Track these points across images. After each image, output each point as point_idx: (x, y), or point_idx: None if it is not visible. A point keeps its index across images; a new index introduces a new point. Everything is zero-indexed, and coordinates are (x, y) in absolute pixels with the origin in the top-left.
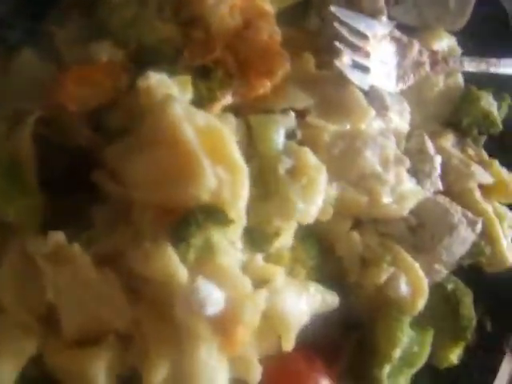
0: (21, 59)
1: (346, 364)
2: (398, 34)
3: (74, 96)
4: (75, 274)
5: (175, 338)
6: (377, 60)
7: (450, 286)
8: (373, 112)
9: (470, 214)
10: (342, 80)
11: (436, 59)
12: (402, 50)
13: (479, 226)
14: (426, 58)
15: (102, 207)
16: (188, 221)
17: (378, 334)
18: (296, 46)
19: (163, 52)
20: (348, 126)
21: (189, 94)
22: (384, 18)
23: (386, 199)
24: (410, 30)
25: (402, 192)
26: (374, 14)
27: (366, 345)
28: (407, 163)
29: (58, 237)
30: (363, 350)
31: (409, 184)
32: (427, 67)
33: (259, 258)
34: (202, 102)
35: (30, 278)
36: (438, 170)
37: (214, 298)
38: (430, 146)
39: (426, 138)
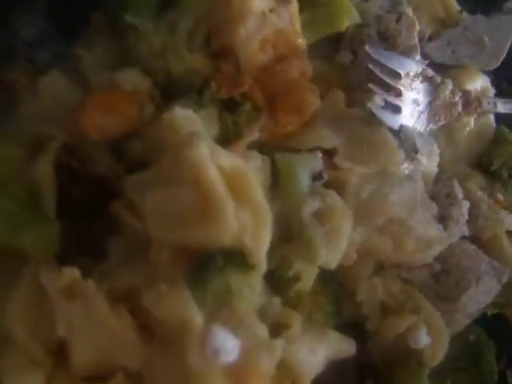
0: (47, 80)
1: None
2: (430, 72)
3: (96, 124)
4: (88, 310)
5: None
6: (408, 99)
7: (472, 337)
8: (402, 154)
9: (496, 264)
10: (372, 120)
11: (469, 100)
12: (435, 89)
13: (505, 277)
14: (458, 98)
15: (118, 239)
16: (207, 264)
17: None
18: (326, 80)
19: (191, 82)
20: (376, 169)
21: (214, 129)
22: (417, 56)
23: (411, 246)
24: (442, 69)
25: (427, 239)
26: (407, 52)
27: None
28: (435, 210)
29: (73, 272)
30: None
31: (435, 231)
32: (459, 108)
33: (277, 301)
34: (227, 136)
35: (41, 310)
36: (466, 216)
37: (229, 347)
38: (458, 191)
39: (455, 182)
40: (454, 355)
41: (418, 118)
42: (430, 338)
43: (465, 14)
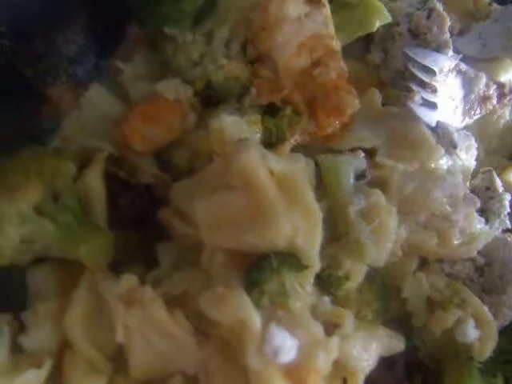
0: (89, 95)
1: None
2: (464, 67)
3: (141, 135)
4: (146, 316)
5: None
6: (444, 95)
7: None
8: (442, 150)
9: None
10: (409, 118)
11: (503, 92)
12: (469, 83)
13: None
14: (492, 91)
15: (168, 246)
16: (262, 266)
17: (446, 380)
18: (359, 80)
19: (230, 90)
20: (417, 166)
21: (258, 134)
22: (450, 52)
23: (456, 240)
24: (474, 63)
25: (471, 233)
26: (439, 48)
27: None
28: (478, 203)
29: (131, 280)
30: None
31: (478, 224)
32: (494, 100)
33: (327, 300)
34: (270, 140)
35: (99, 316)
36: (507, 209)
37: (287, 346)
38: (498, 184)
39: (495, 174)
40: (502, 348)
41: (454, 112)
42: (479, 331)
43: (495, 5)
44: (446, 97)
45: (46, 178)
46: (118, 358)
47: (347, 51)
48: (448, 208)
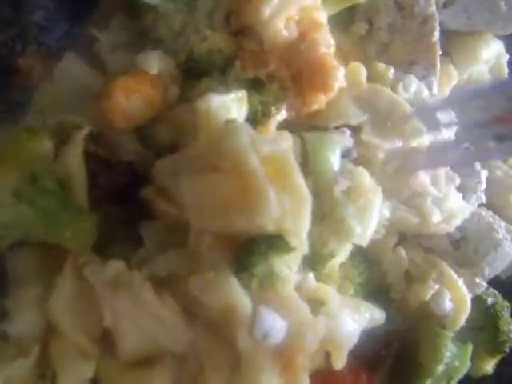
0: (63, 65)
1: (386, 376)
2: None
3: (122, 111)
4: (134, 300)
5: (234, 364)
6: None
7: (490, 300)
8: (424, 128)
9: None
10: (394, 95)
11: None
12: None
13: None
14: None
15: (152, 225)
16: (251, 249)
17: (421, 349)
18: (343, 53)
19: (214, 62)
20: (400, 144)
21: (245, 110)
22: (436, 25)
23: (437, 218)
24: (456, 36)
25: (450, 209)
26: (425, 22)
27: (407, 357)
28: (457, 181)
29: (118, 265)
30: (404, 363)
31: (457, 201)
32: None
33: (311, 277)
34: (256, 117)
35: (84, 300)
36: (484, 185)
37: (276, 328)
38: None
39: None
40: (472, 316)
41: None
42: (454, 303)
43: None
44: None
45: (23, 161)
46: (104, 341)
47: (331, 22)
48: (429, 186)
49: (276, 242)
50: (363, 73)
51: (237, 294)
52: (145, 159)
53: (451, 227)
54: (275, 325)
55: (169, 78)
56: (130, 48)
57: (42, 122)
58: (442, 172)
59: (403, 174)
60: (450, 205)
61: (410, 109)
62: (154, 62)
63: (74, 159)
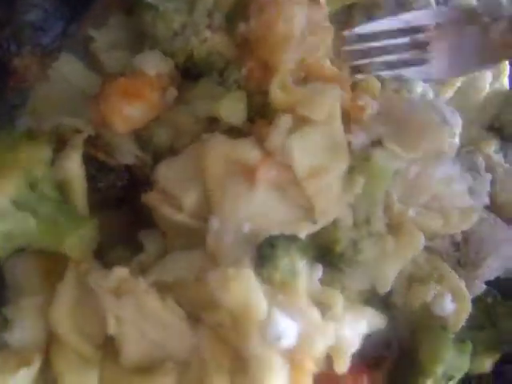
0: (59, 65)
1: (386, 376)
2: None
3: (121, 114)
4: (138, 307)
5: (240, 366)
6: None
7: (489, 300)
8: (447, 132)
9: None
10: (411, 101)
11: None
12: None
13: None
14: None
15: (152, 231)
16: (275, 243)
17: (422, 350)
18: None
19: (213, 64)
20: (422, 152)
21: (242, 112)
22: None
23: (456, 218)
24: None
25: (465, 210)
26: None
27: (407, 358)
28: (469, 180)
29: (122, 272)
30: (404, 363)
31: (470, 201)
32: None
33: (316, 280)
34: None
35: (86, 306)
36: (488, 188)
37: (288, 331)
38: (481, 164)
39: (478, 155)
40: (471, 315)
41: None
42: (454, 304)
43: None
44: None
45: (22, 167)
46: (106, 346)
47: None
48: (446, 187)
49: (296, 239)
50: (377, 86)
51: (255, 293)
52: (143, 163)
53: (468, 226)
54: (287, 327)
55: (167, 79)
56: (128, 48)
57: (37, 124)
58: (457, 172)
59: (423, 179)
60: (464, 205)
61: (430, 113)
62: (153, 64)
63: (74, 164)
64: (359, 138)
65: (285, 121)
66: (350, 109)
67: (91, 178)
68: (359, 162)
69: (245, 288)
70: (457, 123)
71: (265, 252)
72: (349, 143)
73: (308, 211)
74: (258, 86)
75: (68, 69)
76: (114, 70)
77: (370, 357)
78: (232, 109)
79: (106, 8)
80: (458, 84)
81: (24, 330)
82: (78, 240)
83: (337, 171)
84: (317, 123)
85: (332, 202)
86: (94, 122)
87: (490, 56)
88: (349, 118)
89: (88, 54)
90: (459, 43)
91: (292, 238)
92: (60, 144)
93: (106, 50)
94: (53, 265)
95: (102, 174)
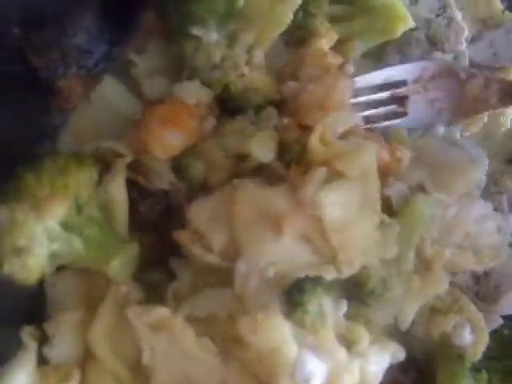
0: (101, 88)
1: None
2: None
3: (160, 140)
4: (174, 341)
5: None
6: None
7: (506, 331)
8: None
9: None
10: (443, 144)
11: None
12: (461, 84)
13: None
14: (493, 91)
15: (183, 262)
16: (303, 287)
17: (439, 377)
18: None
19: (249, 100)
20: (459, 192)
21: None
22: (466, 62)
23: (488, 255)
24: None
25: (495, 247)
26: (456, 57)
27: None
28: (500, 219)
29: (164, 311)
30: None
31: (499, 237)
32: (493, 100)
33: (341, 315)
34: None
35: (123, 329)
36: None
37: (317, 372)
38: (506, 205)
39: (504, 196)
40: (488, 345)
41: (440, 114)
42: (473, 335)
43: (507, 13)
44: (426, 102)
45: (72, 190)
46: (139, 371)
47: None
48: (476, 226)
49: (321, 281)
50: (405, 134)
51: (286, 337)
52: (177, 190)
53: (498, 263)
54: (316, 369)
55: (205, 109)
56: (167, 74)
57: (78, 146)
58: (490, 211)
59: (459, 218)
60: (494, 243)
61: (462, 152)
62: (193, 93)
63: (118, 188)
64: (397, 188)
65: (320, 174)
66: (389, 163)
67: (132, 201)
68: (399, 210)
69: (275, 333)
70: (484, 161)
71: (294, 298)
72: (388, 197)
73: (334, 260)
74: (298, 137)
75: (110, 91)
76: (153, 96)
77: (387, 381)
78: (262, 147)
79: (149, 34)
80: (486, 119)
81: (63, 346)
82: (121, 263)
83: (366, 226)
84: (351, 178)
85: (358, 253)
86: (133, 146)
87: (464, 110)
88: (387, 172)
89: (129, 79)
90: (436, 97)
91: (318, 280)
92: (103, 167)
93: (146, 76)
94: (92, 283)
95: (142, 198)
